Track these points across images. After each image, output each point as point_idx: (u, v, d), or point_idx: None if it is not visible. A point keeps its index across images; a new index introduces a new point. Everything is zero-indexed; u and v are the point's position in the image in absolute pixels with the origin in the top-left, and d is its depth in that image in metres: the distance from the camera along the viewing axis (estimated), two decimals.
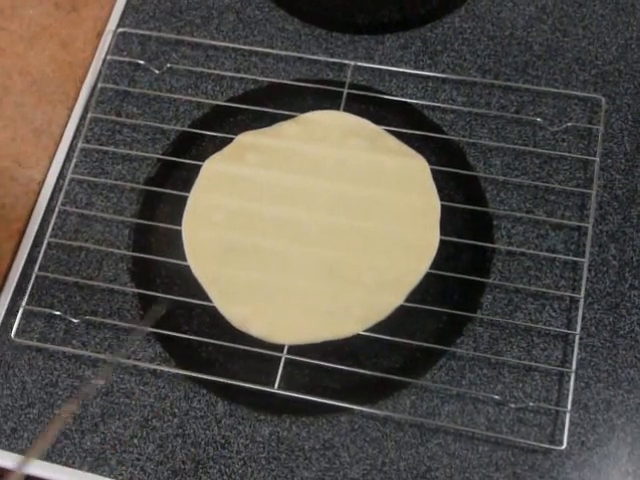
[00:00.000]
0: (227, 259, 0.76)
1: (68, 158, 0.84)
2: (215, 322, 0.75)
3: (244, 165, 0.79)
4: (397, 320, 0.73)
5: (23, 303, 0.76)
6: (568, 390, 0.70)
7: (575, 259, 0.75)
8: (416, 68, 0.85)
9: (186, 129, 0.83)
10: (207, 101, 0.85)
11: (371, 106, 0.83)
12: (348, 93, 0.82)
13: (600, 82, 0.83)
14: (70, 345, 0.76)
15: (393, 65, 0.85)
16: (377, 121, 0.81)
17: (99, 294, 0.78)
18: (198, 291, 0.75)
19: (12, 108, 0.83)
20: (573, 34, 0.85)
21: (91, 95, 0.86)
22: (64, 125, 0.86)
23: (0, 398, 0.75)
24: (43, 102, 0.85)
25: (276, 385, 0.71)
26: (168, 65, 0.86)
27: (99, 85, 0.85)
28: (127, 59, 0.87)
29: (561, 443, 0.69)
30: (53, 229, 0.80)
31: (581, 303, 0.73)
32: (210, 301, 0.75)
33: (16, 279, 0.79)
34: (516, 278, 0.75)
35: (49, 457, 0.73)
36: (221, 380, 0.72)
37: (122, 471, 0.72)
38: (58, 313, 0.77)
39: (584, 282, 0.73)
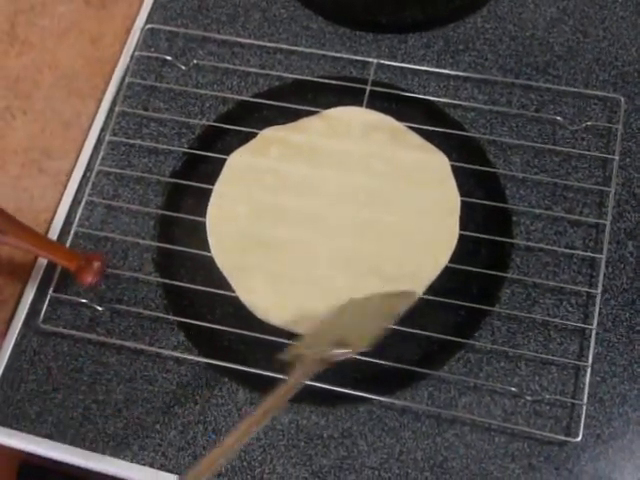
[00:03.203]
0: (250, 250, 0.77)
1: (96, 150, 0.86)
2: (237, 312, 0.76)
3: (268, 158, 0.81)
4: (416, 312, 0.74)
5: (50, 291, 0.78)
6: (584, 384, 0.71)
7: (593, 255, 0.76)
8: (438, 67, 0.86)
9: (211, 124, 0.85)
10: (232, 96, 0.86)
11: (393, 103, 0.84)
12: (371, 90, 0.83)
13: (619, 82, 0.83)
14: (95, 332, 0.78)
15: (415, 63, 0.86)
16: (399, 118, 0.82)
17: (124, 283, 0.80)
18: (221, 281, 0.77)
19: (42, 102, 0.85)
20: (593, 35, 0.86)
21: (119, 89, 0.88)
22: (92, 118, 0.88)
23: (26, 383, 0.77)
24: (72, 96, 0.87)
25: None
26: (194, 61, 0.88)
27: (127, 80, 0.87)
28: (154, 55, 0.89)
29: (577, 435, 0.69)
30: (80, 219, 0.81)
31: (598, 298, 0.74)
32: (233, 291, 0.76)
33: (44, 267, 0.81)
34: (534, 273, 0.76)
35: (72, 441, 0.74)
36: (242, 368, 0.73)
37: (144, 456, 0.73)
38: (84, 301, 0.78)
39: (601, 278, 0.74)
